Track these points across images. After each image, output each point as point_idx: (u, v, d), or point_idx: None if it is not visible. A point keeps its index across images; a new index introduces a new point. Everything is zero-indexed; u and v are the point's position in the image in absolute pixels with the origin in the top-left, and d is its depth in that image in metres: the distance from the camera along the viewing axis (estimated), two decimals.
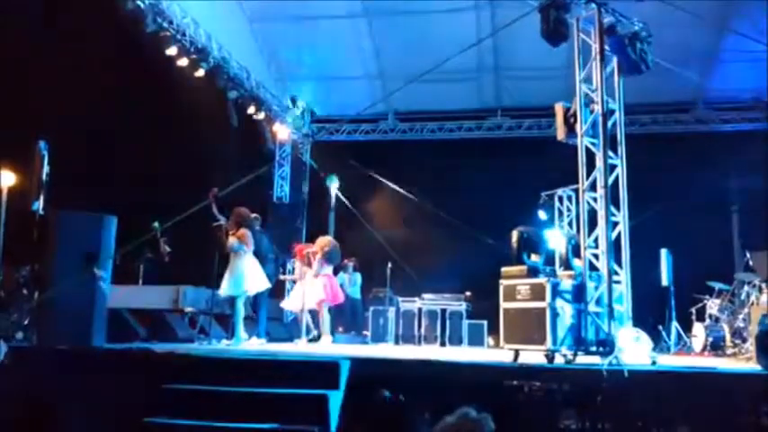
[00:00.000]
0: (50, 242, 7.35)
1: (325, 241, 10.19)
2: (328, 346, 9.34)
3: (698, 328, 9.95)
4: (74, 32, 10.51)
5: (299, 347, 9.30)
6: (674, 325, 10.41)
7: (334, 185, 13.68)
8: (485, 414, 2.47)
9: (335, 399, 5.47)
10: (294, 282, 10.94)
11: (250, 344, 8.95)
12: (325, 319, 9.85)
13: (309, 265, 9.96)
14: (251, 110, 13.15)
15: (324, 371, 5.81)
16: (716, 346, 9.50)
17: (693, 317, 10.33)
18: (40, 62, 11.29)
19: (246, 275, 8.84)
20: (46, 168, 7.85)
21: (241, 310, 8.87)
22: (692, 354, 9.78)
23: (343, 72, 13.31)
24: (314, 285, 9.86)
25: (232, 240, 8.84)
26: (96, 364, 6.37)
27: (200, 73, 11.42)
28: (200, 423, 5.28)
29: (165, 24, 10.55)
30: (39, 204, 7.79)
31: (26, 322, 7.75)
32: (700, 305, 10.32)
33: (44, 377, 6.21)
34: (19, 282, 9.99)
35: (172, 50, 10.78)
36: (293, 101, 14.80)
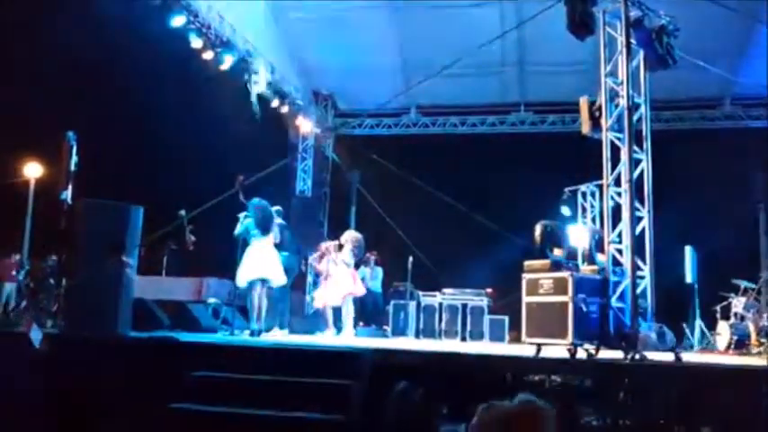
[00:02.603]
0: (78, 231, 7.48)
1: (352, 235, 10.25)
2: (350, 339, 9.38)
3: (722, 327, 9.84)
4: (100, 24, 10.64)
5: (320, 339, 9.35)
6: (698, 323, 10.30)
7: (355, 180, 13.74)
8: (549, 406, 2.30)
9: (358, 388, 5.51)
10: (318, 276, 10.98)
11: (272, 335, 9.02)
12: (349, 312, 9.89)
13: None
14: (275, 103, 13.22)
15: (347, 361, 5.85)
16: (741, 345, 9.39)
17: (718, 315, 10.21)
18: (67, 54, 11.45)
19: (255, 262, 8.83)
20: (74, 158, 7.97)
21: (254, 299, 8.83)
22: (716, 352, 9.67)
23: (367, 66, 13.31)
24: (338, 280, 9.90)
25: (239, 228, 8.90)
26: (122, 352, 6.47)
27: (225, 66, 11.51)
28: (225, 410, 5.35)
29: (191, 18, 10.66)
30: (67, 194, 7.92)
31: (54, 310, 7.89)
32: (725, 303, 10.21)
33: (72, 364, 6.31)
34: (46, 271, 10.19)
35: (197, 43, 10.88)
36: (316, 95, 14.86)
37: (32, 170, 14.61)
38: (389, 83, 13.19)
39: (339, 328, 10.27)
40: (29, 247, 13.80)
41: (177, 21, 10.52)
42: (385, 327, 12.19)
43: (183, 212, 9.26)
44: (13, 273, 12.57)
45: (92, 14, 10.63)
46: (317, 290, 10.65)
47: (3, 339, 7.06)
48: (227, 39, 11.43)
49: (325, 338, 9.66)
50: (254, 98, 12.25)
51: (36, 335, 6.31)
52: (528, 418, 2.19)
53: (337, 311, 10.43)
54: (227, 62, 11.48)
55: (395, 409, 5.17)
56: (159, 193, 10.68)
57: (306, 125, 14.57)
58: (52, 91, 11.66)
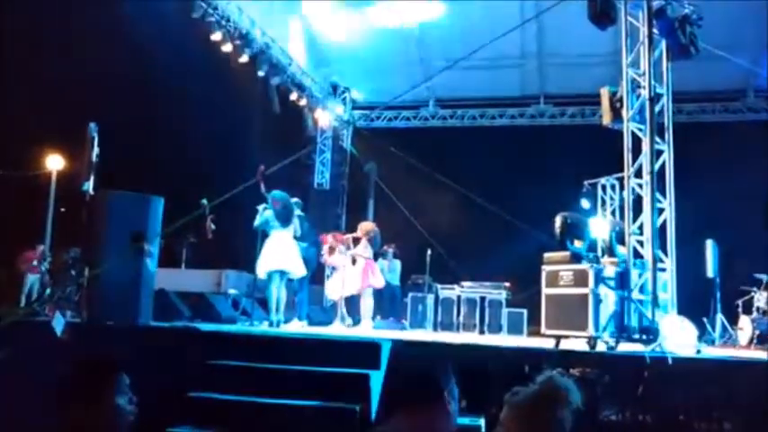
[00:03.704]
0: (99, 222, 7.55)
1: (368, 226, 10.24)
2: (368, 331, 9.38)
3: (744, 321, 9.73)
4: (120, 18, 10.73)
5: (338, 331, 9.37)
6: (720, 317, 10.19)
7: (373, 172, 13.75)
8: (571, 382, 2.32)
9: (377, 378, 5.51)
10: (334, 268, 10.96)
11: (291, 326, 9.06)
12: (368, 304, 9.89)
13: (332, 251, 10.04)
14: (293, 96, 13.26)
15: (366, 351, 5.86)
16: (763, 340, 9.25)
17: (740, 309, 10.09)
18: (89, 47, 11.56)
19: (275, 254, 8.81)
20: (96, 150, 8.05)
21: (273, 290, 8.83)
22: (737, 347, 9.56)
23: (385, 58, 13.29)
24: (356, 271, 9.91)
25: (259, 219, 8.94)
26: (143, 341, 6.52)
27: (244, 59, 11.56)
28: (244, 399, 5.39)
29: (210, 10, 10.71)
30: (89, 185, 8.00)
31: (76, 300, 7.98)
32: (746, 297, 10.09)
33: (93, 353, 6.37)
34: (68, 262, 10.30)
35: (216, 36, 10.94)
36: (334, 87, 14.87)
37: (54, 162, 14.83)
38: (408, 75, 13.17)
39: (357, 321, 10.27)
40: (51, 239, 13.99)
41: (197, 13, 10.58)
42: (403, 319, 12.18)
43: (204, 201, 9.29)
44: (36, 264, 12.76)
45: (112, 7, 10.72)
46: (329, 282, 10.60)
47: (25, 328, 7.15)
48: (246, 31, 11.48)
49: (342, 330, 9.67)
50: (272, 90, 12.33)
51: (59, 323, 6.39)
52: (549, 396, 2.21)
53: (353, 304, 10.43)
54: (246, 55, 11.54)
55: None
56: (180, 185, 10.74)
57: (324, 118, 14.60)
58: (73, 83, 11.76)
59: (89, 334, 6.74)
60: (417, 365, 2.54)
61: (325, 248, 10.48)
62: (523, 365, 6.06)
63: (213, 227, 10.08)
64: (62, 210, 14.04)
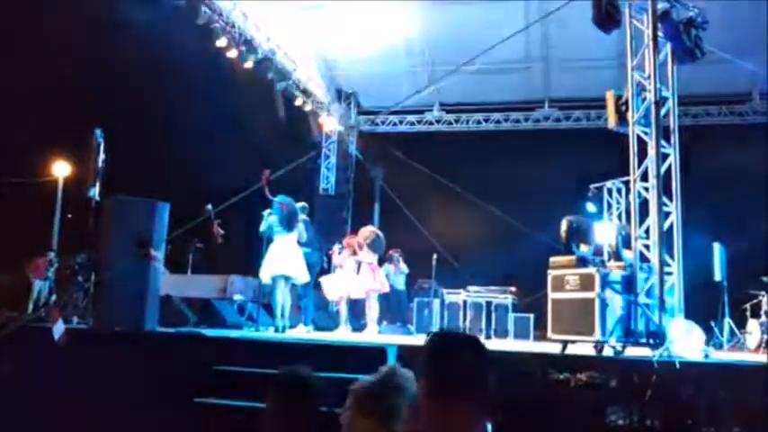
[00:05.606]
0: (105, 228, 7.57)
1: (368, 231, 10.23)
2: (373, 336, 9.37)
3: (753, 325, 9.68)
4: (126, 24, 10.78)
5: (343, 335, 9.36)
6: (727, 321, 10.14)
7: (379, 177, 13.75)
8: (411, 374, 2.44)
9: None
10: (335, 269, 10.91)
11: (296, 332, 9.04)
12: (373, 308, 9.87)
13: (354, 253, 10.01)
14: (298, 101, 13.28)
15: (371, 357, 5.84)
16: None
17: (748, 313, 10.04)
18: (95, 53, 11.61)
19: (278, 259, 8.81)
20: (102, 156, 8.08)
21: (278, 296, 8.81)
22: (746, 351, 9.51)
23: (390, 63, 13.31)
24: (361, 275, 9.89)
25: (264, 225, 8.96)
26: (149, 347, 6.53)
27: (249, 65, 11.58)
28: (249, 404, 5.38)
29: (215, 16, 10.73)
30: (95, 191, 8.03)
31: (83, 305, 8.00)
32: (754, 301, 10.03)
33: (99, 359, 6.38)
34: (74, 269, 10.34)
35: (221, 42, 10.96)
36: (339, 92, 14.89)
37: (61, 169, 14.92)
38: (412, 80, 13.19)
39: (362, 326, 10.25)
40: (58, 245, 14.05)
41: (202, 19, 10.60)
42: (409, 324, 12.16)
43: (209, 207, 9.30)
44: (45, 270, 12.81)
45: (119, 15, 10.77)
46: (327, 279, 10.47)
47: (32, 334, 7.18)
48: (250, 37, 11.51)
49: (348, 335, 9.65)
50: (277, 96, 12.35)
51: (58, 329, 6.39)
52: (386, 385, 2.36)
53: (359, 309, 10.41)
54: (251, 60, 11.56)
55: None
56: (185, 190, 10.77)
57: (329, 123, 14.62)
58: (79, 89, 11.82)
59: (95, 340, 6.76)
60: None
61: (347, 250, 10.33)
62: (529, 370, 6.04)
63: (222, 232, 10.07)
64: (69, 216, 14.10)
